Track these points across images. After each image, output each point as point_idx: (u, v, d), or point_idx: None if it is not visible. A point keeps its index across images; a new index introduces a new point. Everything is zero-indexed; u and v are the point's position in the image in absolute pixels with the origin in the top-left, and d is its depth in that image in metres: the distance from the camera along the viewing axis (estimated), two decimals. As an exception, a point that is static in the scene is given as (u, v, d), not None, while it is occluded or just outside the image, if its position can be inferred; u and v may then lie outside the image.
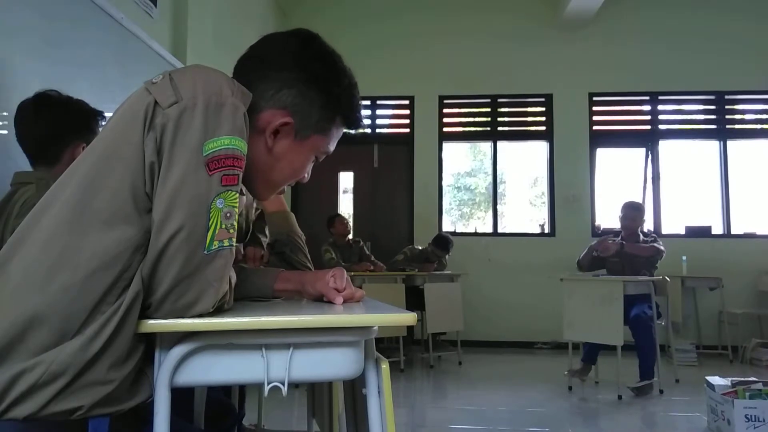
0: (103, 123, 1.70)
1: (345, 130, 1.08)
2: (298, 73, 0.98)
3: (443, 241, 5.36)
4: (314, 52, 1.01)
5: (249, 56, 1.02)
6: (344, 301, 1.05)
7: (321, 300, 1.10)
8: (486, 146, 6.60)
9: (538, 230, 6.37)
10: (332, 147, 1.07)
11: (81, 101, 1.67)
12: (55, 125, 1.59)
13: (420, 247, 5.51)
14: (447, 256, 5.47)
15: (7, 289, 0.80)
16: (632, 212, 4.29)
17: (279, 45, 1.02)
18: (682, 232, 5.96)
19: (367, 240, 6.06)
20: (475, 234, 6.41)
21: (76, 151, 1.61)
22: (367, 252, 5.36)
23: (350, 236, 5.35)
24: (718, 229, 6.05)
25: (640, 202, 4.38)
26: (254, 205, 1.47)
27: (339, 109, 1.03)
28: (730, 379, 3.01)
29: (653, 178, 6.14)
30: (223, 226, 0.84)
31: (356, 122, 1.06)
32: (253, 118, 0.95)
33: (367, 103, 6.49)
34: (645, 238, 4.27)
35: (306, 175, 1.08)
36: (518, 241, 6.23)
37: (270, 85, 0.98)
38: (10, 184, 1.58)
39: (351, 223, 5.81)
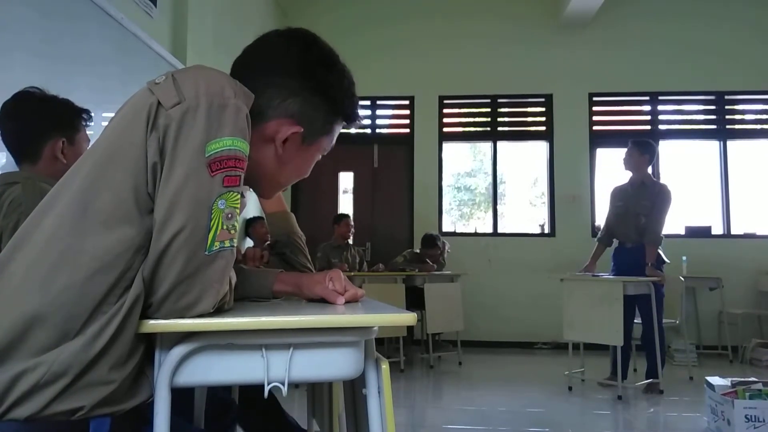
0: (89, 121, 1.70)
1: (344, 128, 1.11)
2: (303, 81, 1.00)
3: (429, 240, 5.40)
4: (316, 56, 1.02)
5: (249, 61, 1.02)
6: (345, 302, 1.05)
7: (320, 301, 1.10)
8: (486, 146, 6.60)
9: (538, 230, 6.37)
10: (333, 143, 1.11)
11: (65, 99, 1.66)
12: (34, 120, 1.59)
13: (418, 251, 5.55)
14: (447, 252, 5.49)
15: (8, 289, 0.80)
16: (629, 150, 4.15)
17: (280, 50, 1.01)
18: (682, 232, 5.96)
19: (367, 240, 6.07)
20: (475, 234, 6.41)
21: (56, 146, 1.60)
22: (360, 251, 5.38)
23: (350, 240, 5.37)
24: (718, 229, 6.05)
25: (648, 141, 4.17)
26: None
27: (342, 111, 1.06)
28: (730, 379, 3.01)
29: (653, 178, 6.13)
30: (225, 227, 0.85)
31: (355, 120, 1.09)
32: (260, 127, 0.97)
33: (367, 103, 6.49)
34: (650, 188, 4.09)
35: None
36: (518, 241, 6.23)
37: (276, 93, 0.99)
38: None
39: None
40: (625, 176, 4.23)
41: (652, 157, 4.13)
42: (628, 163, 4.14)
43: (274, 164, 1.03)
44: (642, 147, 4.12)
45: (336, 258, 5.12)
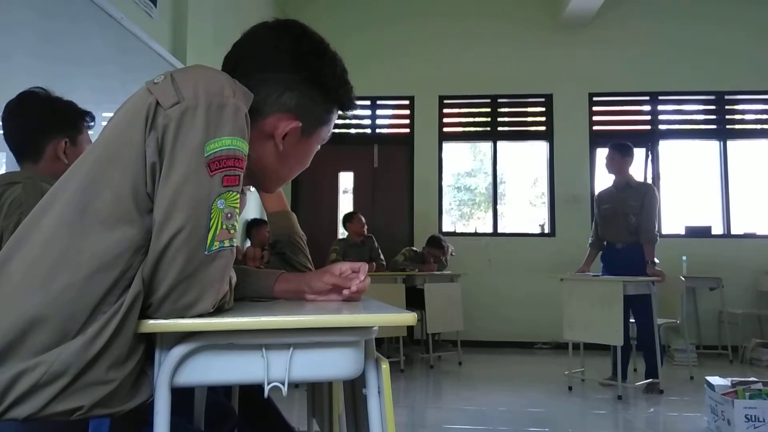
0: (91, 123, 1.71)
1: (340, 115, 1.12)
2: (296, 74, 1.00)
3: (437, 240, 5.44)
4: (308, 48, 1.02)
5: (241, 57, 1.01)
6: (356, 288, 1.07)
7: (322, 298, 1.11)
8: (486, 146, 6.60)
9: (538, 230, 6.37)
10: (331, 132, 1.11)
11: (69, 101, 1.67)
12: (37, 120, 1.59)
13: (417, 250, 5.54)
14: (450, 253, 5.49)
15: (7, 289, 0.80)
16: (610, 153, 4.22)
17: (272, 45, 1.01)
18: (682, 232, 5.96)
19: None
20: (475, 234, 6.41)
21: (59, 146, 1.60)
22: (376, 245, 5.35)
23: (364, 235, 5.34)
24: (718, 229, 6.05)
25: (627, 144, 4.24)
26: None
27: (337, 99, 1.06)
28: (730, 379, 3.01)
29: (653, 178, 6.13)
30: (224, 227, 0.84)
31: (351, 106, 1.09)
32: (259, 123, 0.98)
33: (367, 103, 6.49)
34: (636, 187, 4.15)
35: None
36: (518, 241, 6.24)
37: (271, 89, 0.99)
38: None
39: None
40: (609, 179, 4.30)
41: (632, 158, 4.23)
42: (610, 166, 4.23)
43: (275, 159, 1.04)
44: (622, 150, 4.20)
45: (353, 256, 5.10)
